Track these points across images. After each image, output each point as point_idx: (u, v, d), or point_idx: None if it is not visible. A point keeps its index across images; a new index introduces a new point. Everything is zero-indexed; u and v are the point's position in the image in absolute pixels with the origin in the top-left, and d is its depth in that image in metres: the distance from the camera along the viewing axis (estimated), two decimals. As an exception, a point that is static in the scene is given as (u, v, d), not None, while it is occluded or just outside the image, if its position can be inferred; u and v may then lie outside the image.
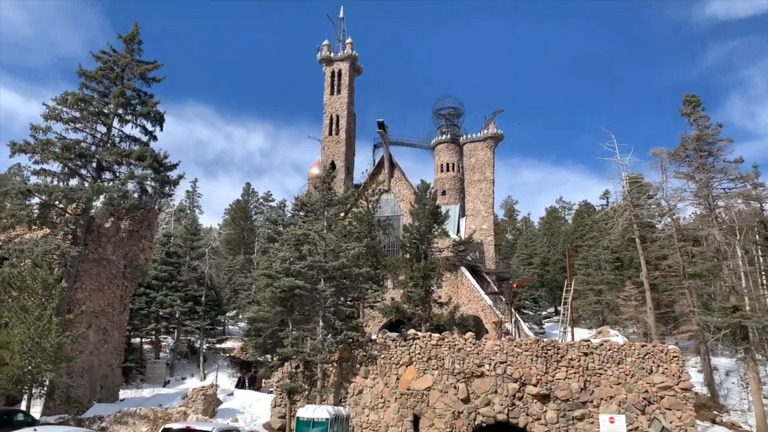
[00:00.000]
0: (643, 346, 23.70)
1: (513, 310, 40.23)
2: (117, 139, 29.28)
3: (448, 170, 69.75)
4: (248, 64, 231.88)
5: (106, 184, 27.47)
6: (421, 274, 36.02)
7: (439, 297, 43.05)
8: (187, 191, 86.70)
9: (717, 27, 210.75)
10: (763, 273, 37.65)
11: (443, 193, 69.23)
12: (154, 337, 42.02)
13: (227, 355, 43.32)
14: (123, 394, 32.12)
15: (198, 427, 15.04)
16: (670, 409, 22.36)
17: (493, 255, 62.21)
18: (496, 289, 57.07)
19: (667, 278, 36.60)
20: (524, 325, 41.57)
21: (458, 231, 60.19)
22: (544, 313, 63.31)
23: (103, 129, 28.96)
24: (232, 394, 29.03)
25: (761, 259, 41.86)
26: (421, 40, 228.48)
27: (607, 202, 72.89)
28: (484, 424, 23.54)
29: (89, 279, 27.17)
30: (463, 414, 23.55)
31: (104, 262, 28.11)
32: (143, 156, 27.68)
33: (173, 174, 29.12)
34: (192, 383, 38.14)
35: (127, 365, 37.51)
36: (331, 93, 70.57)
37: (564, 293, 31.86)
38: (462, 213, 65.13)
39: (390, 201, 59.95)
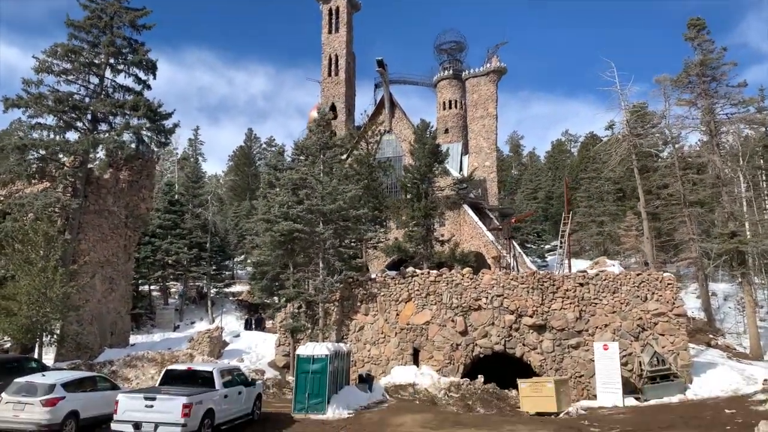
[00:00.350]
0: (638, 274, 24.06)
1: (514, 244, 40.49)
2: (110, 90, 29.09)
3: (450, 107, 68.82)
4: (248, 5, 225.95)
5: (102, 135, 27.47)
6: (422, 213, 36.21)
7: (442, 235, 43.53)
8: (190, 139, 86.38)
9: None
10: (765, 198, 37.53)
11: (446, 131, 68.62)
12: (162, 284, 42.98)
13: (235, 298, 44.37)
14: (133, 339, 33.21)
15: (198, 368, 15.64)
16: (663, 335, 22.91)
17: (496, 191, 62.17)
18: (500, 226, 57.52)
19: (669, 207, 36.64)
20: (526, 259, 42.04)
21: (461, 169, 59.96)
22: (547, 246, 63.74)
23: (95, 80, 28.76)
24: (238, 335, 29.98)
25: (765, 184, 41.69)
26: None
27: (612, 132, 71.94)
28: (481, 355, 24.29)
29: (92, 230, 27.63)
30: (461, 346, 24.27)
31: (105, 212, 28.50)
32: (137, 106, 27.57)
33: (168, 123, 29.04)
34: (201, 327, 39.21)
35: (137, 312, 38.64)
36: (329, 32, 69.07)
37: (562, 226, 32.06)
38: (465, 150, 64.70)
39: (392, 141, 59.62)
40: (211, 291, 42.76)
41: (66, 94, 26.59)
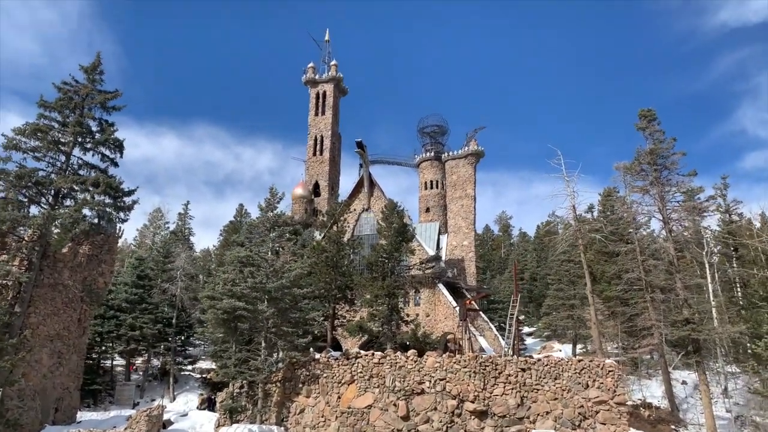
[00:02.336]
0: (579, 360, 23.92)
1: (469, 325, 40.36)
2: (76, 167, 30.00)
3: (432, 187, 70.41)
4: (257, 87, 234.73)
5: (59, 211, 28.08)
6: (385, 292, 36.28)
7: (412, 315, 43.33)
8: (179, 213, 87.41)
9: (727, 35, 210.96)
10: (722, 285, 37.74)
11: (427, 210, 69.93)
12: (126, 359, 42.44)
13: (201, 376, 43.63)
14: (86, 416, 32.51)
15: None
16: (604, 424, 22.52)
17: (474, 271, 62.34)
18: (477, 307, 57.33)
19: (631, 292, 36.75)
20: (482, 341, 41.68)
21: (438, 248, 60.36)
22: (526, 329, 63.21)
23: (63, 157, 29.73)
24: (186, 414, 29.40)
25: (716, 273, 41.91)
26: (408, 58, 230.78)
27: (592, 215, 72.93)
28: (424, 442, 23.74)
29: (44, 303, 27.69)
30: (403, 431, 23.76)
31: (60, 286, 28.64)
32: (97, 183, 28.37)
33: (129, 199, 29.72)
34: (164, 404, 38.55)
35: (94, 388, 38.02)
36: (316, 114, 71.78)
37: (510, 309, 32.02)
38: (444, 230, 65.43)
39: (370, 219, 60.36)
40: (174, 368, 42.07)
41: (28, 171, 27.38)
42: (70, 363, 29.60)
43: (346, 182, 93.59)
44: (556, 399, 23.16)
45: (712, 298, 38.52)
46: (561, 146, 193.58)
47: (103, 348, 41.14)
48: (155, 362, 45.79)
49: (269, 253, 25.42)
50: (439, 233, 63.15)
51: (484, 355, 24.77)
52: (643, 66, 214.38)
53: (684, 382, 39.01)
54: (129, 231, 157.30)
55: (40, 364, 27.12)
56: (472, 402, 23.48)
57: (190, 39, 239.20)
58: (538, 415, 23.09)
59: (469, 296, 48.09)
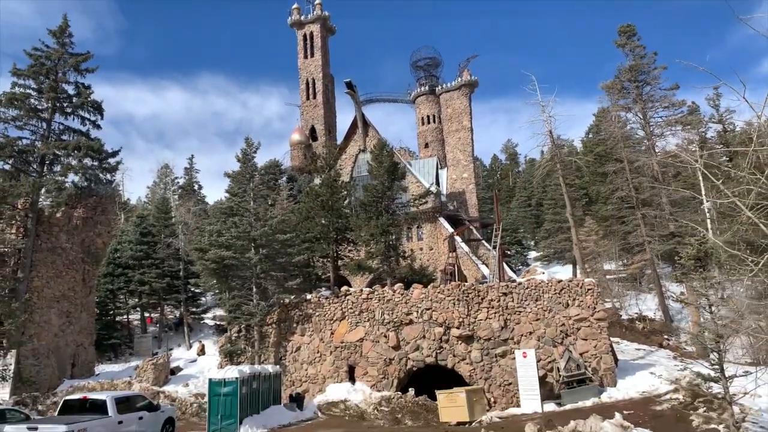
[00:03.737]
0: (559, 281, 24.57)
1: (457, 255, 41.25)
2: (58, 133, 30.44)
3: (429, 122, 69.76)
4: (252, 31, 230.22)
5: (46, 177, 28.77)
6: (380, 230, 36.95)
7: (416, 250, 44.27)
8: (185, 168, 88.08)
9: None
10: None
11: (426, 145, 69.61)
12: (141, 312, 44.16)
13: (213, 323, 45.33)
14: (107, 368, 34.29)
15: (93, 396, 16.48)
16: (585, 339, 23.35)
17: (476, 202, 62.74)
18: (479, 237, 58.09)
19: (622, 210, 37.05)
20: (485, 269, 42.51)
21: (437, 182, 60.65)
22: (533, 254, 64.02)
23: (44, 124, 30.15)
24: (195, 360, 30.89)
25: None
26: None
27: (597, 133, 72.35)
28: (415, 368, 24.89)
29: (45, 267, 28.81)
30: (395, 360, 24.91)
31: (58, 250, 29.70)
32: (78, 147, 28.84)
33: (114, 161, 30.28)
34: (179, 353, 40.35)
35: (113, 342, 39.86)
36: (305, 57, 70.70)
37: (493, 237, 32.56)
38: (444, 164, 65.46)
39: (366, 159, 60.46)
40: (188, 317, 43.72)
41: (9, 140, 27.91)
42: (80, 321, 31.05)
43: (345, 123, 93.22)
44: (538, 320, 23.98)
45: (707, 208, 38.62)
46: (573, 68, 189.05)
47: (117, 304, 42.71)
48: (172, 314, 47.62)
49: (251, 202, 25.96)
50: (439, 167, 63.29)
51: (466, 284, 25.51)
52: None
53: (682, 293, 39.77)
54: (140, 188, 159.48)
55: (49, 324, 28.51)
56: (458, 328, 24.40)
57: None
58: (522, 335, 23.99)
59: (450, 230, 48.65)
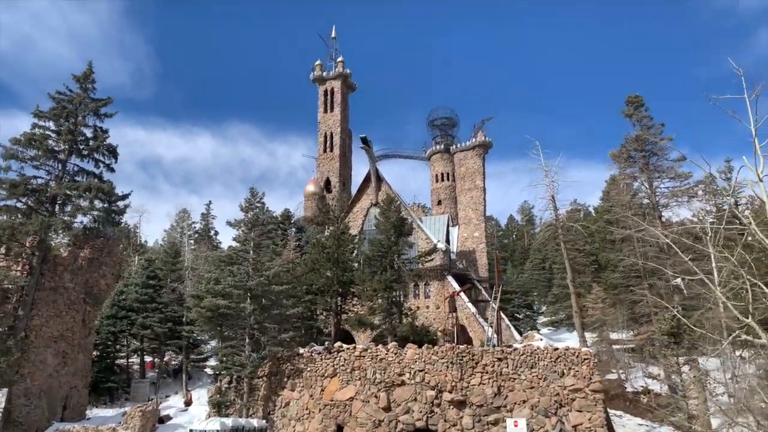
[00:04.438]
0: (555, 349, 24.08)
1: (454, 315, 40.79)
2: (72, 174, 31.25)
3: (443, 180, 70.26)
4: (277, 86, 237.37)
5: (56, 217, 29.36)
6: (383, 286, 36.82)
7: (422, 308, 43.80)
8: (202, 213, 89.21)
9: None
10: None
11: (439, 202, 69.94)
12: (140, 357, 43.99)
13: (212, 372, 44.91)
14: (100, 412, 33.95)
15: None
16: (580, 411, 22.67)
17: (486, 262, 62.33)
18: (487, 298, 57.42)
19: (629, 278, 36.51)
20: (491, 331, 41.79)
21: (448, 240, 60.56)
22: (542, 319, 62.95)
23: (59, 165, 31.00)
24: (186, 409, 30.46)
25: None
26: (417, 51, 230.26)
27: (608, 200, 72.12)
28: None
29: (45, 306, 29.00)
30: (384, 422, 24.32)
31: (61, 289, 29.95)
32: (89, 188, 29.52)
33: (123, 204, 30.90)
34: (175, 400, 39.93)
35: (110, 385, 39.61)
36: (325, 111, 72.37)
37: (492, 300, 32.17)
38: (455, 222, 65.55)
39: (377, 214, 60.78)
40: (188, 364, 43.44)
41: (24, 179, 28.69)
42: (76, 362, 30.94)
43: (360, 177, 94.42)
44: (532, 387, 23.41)
45: (717, 286, 37.90)
46: (599, 130, 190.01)
47: (117, 347, 42.69)
48: (174, 360, 47.35)
49: (250, 251, 26.15)
50: (450, 225, 63.34)
51: (461, 347, 25.11)
52: (688, 43, 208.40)
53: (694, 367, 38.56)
54: (159, 232, 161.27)
55: (44, 364, 28.44)
56: (450, 392, 23.89)
57: (208, 40, 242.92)
58: (515, 403, 23.38)
59: (457, 288, 48.21)
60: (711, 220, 43.01)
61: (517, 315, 58.96)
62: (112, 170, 32.33)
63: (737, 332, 12.92)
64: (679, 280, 26.57)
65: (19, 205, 29.46)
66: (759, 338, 11.28)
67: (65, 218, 28.26)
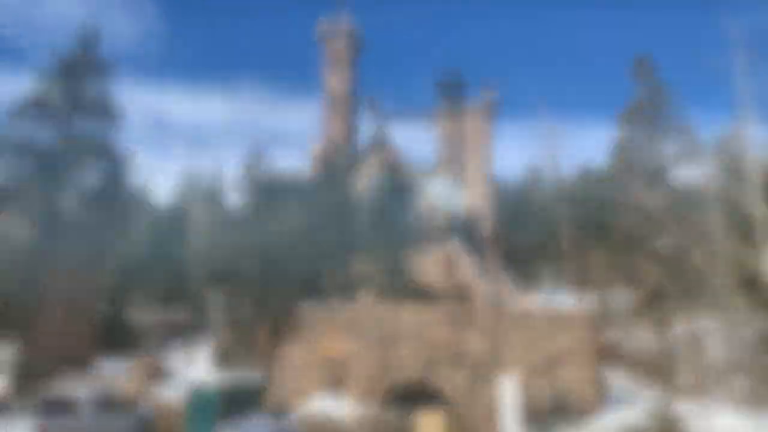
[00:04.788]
0: (551, 309, 24.47)
1: (455, 275, 41.22)
2: (78, 135, 31.54)
3: (449, 140, 69.78)
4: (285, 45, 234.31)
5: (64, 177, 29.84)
6: (385, 245, 37.30)
7: (416, 268, 44.11)
8: (211, 173, 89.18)
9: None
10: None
11: (444, 163, 69.65)
12: (145, 312, 45.10)
13: (215, 327, 46.02)
14: (101, 365, 35.09)
15: (67, 395, 16.83)
16: (573, 369, 23.17)
17: (489, 223, 62.45)
18: (490, 258, 57.80)
19: (630, 240, 36.60)
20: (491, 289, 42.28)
21: (452, 200, 60.66)
22: (543, 279, 63.23)
23: (64, 127, 31.22)
24: (191, 363, 31.32)
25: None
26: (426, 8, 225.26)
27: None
28: (400, 387, 24.92)
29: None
30: (380, 377, 24.99)
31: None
32: (96, 148, 29.91)
33: (132, 163, 31.39)
34: (178, 355, 40.97)
35: (119, 337, 40.64)
36: (330, 70, 71.48)
37: (493, 260, 32.42)
38: (460, 182, 65.46)
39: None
40: (192, 320, 44.41)
41: (29, 140, 29.06)
42: (83, 316, 31.87)
43: (366, 137, 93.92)
44: (526, 346, 23.87)
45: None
46: (607, 90, 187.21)
47: (129, 300, 43.63)
48: (178, 314, 48.39)
49: (255, 210, 26.52)
50: (455, 186, 63.29)
51: (459, 306, 25.56)
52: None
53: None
54: (166, 192, 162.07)
55: (53, 317, 29.40)
56: (446, 349, 24.43)
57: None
58: (509, 362, 23.89)
59: (460, 248, 48.51)
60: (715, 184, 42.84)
61: (518, 275, 59.35)
62: (116, 130, 32.63)
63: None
64: (669, 241, 26.67)
65: (24, 166, 29.93)
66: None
67: (72, 178, 28.62)
